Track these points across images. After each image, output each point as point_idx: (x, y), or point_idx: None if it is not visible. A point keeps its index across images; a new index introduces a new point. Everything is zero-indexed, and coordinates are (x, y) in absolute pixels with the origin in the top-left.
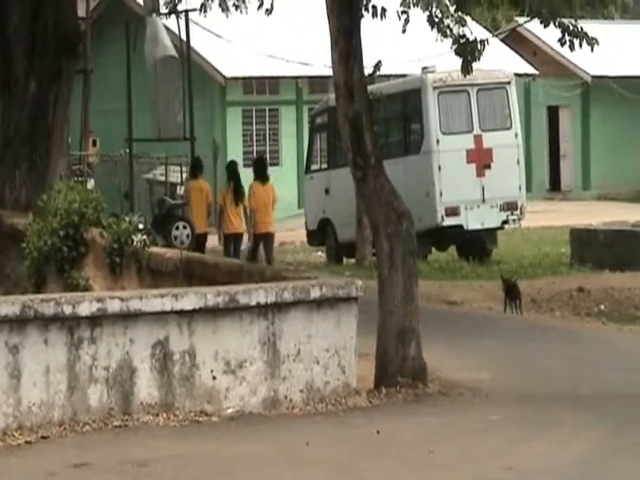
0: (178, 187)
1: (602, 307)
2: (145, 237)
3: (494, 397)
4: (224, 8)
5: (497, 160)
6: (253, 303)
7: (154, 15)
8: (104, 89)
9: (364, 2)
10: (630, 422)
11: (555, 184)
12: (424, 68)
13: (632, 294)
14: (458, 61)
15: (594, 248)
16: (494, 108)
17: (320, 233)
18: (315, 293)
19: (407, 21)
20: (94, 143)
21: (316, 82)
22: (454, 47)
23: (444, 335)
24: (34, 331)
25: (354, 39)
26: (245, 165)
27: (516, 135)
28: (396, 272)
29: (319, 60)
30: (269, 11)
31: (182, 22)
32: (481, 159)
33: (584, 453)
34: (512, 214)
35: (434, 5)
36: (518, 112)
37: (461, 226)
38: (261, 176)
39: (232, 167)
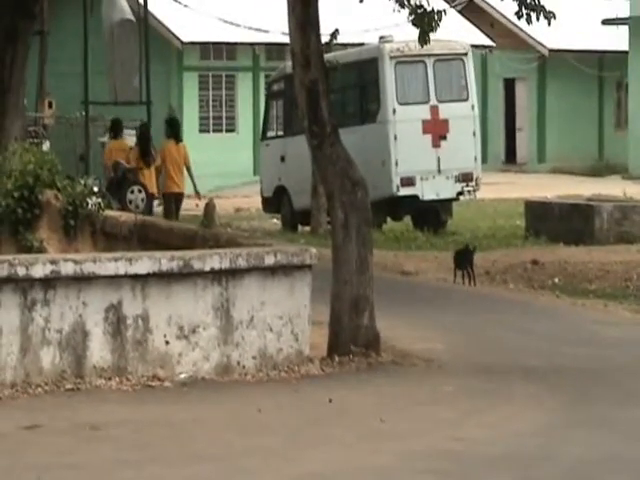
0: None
1: (556, 280)
2: (100, 200)
3: (447, 368)
4: None
5: (453, 131)
6: (207, 269)
7: None
8: (60, 51)
9: None
10: (582, 395)
11: (510, 156)
12: (381, 38)
13: (586, 268)
14: (415, 31)
15: (549, 221)
16: (451, 79)
17: (275, 200)
18: (269, 260)
19: None
20: (50, 105)
21: (273, 49)
22: (411, 17)
23: (398, 305)
24: None
25: (312, 7)
26: (201, 131)
27: (472, 107)
28: (350, 241)
29: (277, 27)
30: None
31: None
32: (437, 130)
33: (535, 425)
34: (467, 185)
35: None
36: (475, 84)
37: (416, 196)
38: (174, 136)
39: (143, 129)
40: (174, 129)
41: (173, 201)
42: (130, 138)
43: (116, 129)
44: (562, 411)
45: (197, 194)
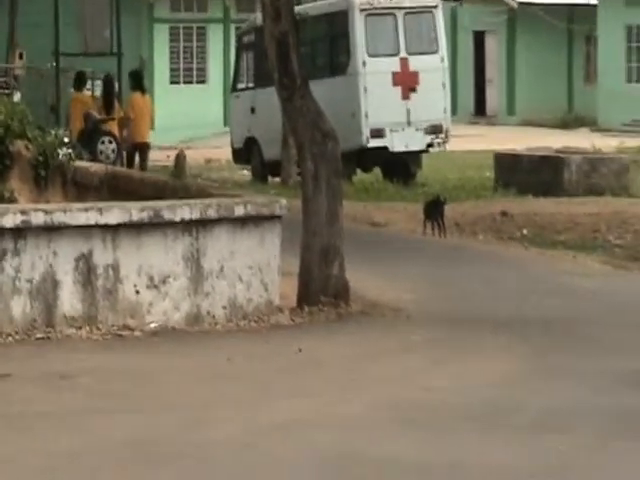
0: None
1: (525, 232)
2: (70, 151)
3: (416, 318)
4: None
5: (423, 83)
6: (177, 219)
7: None
8: (31, 3)
9: None
10: (549, 345)
11: (480, 109)
12: None
13: (554, 219)
14: None
15: (518, 173)
16: (421, 32)
17: (246, 151)
18: (239, 211)
19: None
20: (20, 56)
21: (244, 1)
22: None
23: (367, 256)
24: None
25: None
26: (172, 82)
27: (442, 59)
28: (320, 192)
29: None
30: None
31: None
32: (407, 82)
33: (503, 375)
34: (437, 137)
35: None
36: (444, 36)
37: (386, 148)
38: (139, 88)
39: (107, 81)
40: (138, 81)
41: (138, 151)
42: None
43: (79, 81)
44: (531, 362)
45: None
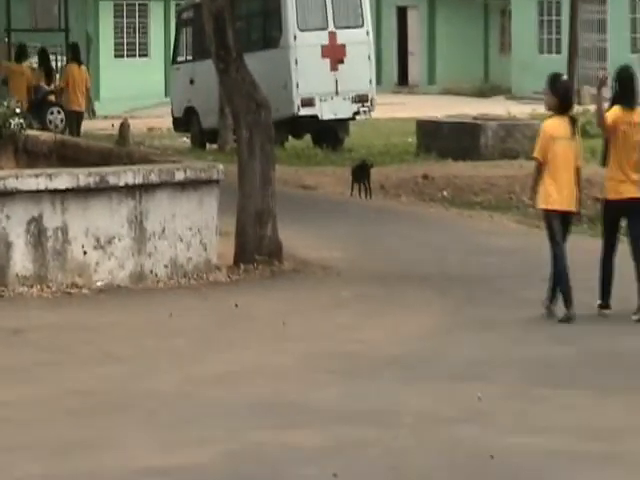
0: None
1: (445, 193)
2: (22, 121)
3: (345, 275)
4: None
5: (349, 55)
6: (122, 184)
7: None
8: None
9: None
10: (469, 300)
11: (403, 79)
12: None
13: (472, 182)
14: None
15: (438, 139)
16: (347, 7)
17: (185, 120)
18: (179, 176)
19: None
20: None
21: None
22: None
23: (299, 217)
24: None
25: None
26: (116, 56)
27: (367, 33)
28: (255, 158)
29: None
30: None
31: None
32: (335, 54)
33: (428, 327)
34: (363, 106)
35: None
36: (369, 12)
37: (316, 116)
38: (76, 59)
39: (42, 54)
40: (75, 54)
41: (75, 117)
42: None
43: (20, 54)
44: (452, 315)
45: (92, 112)
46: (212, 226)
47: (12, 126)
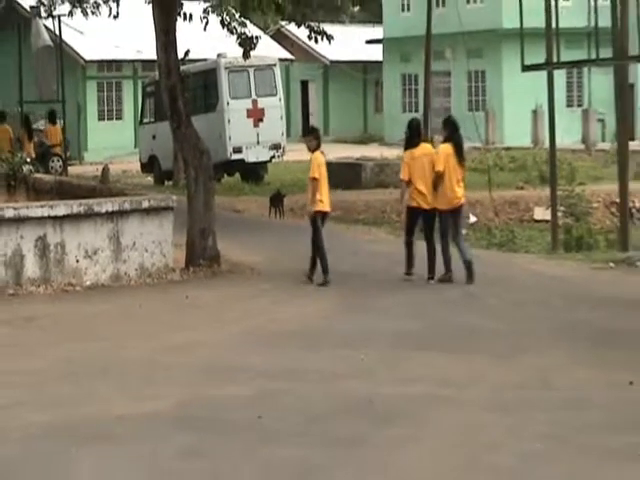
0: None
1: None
2: (31, 167)
3: (266, 273)
4: (84, 13)
5: (267, 116)
6: (103, 211)
7: (37, 18)
8: (3, 67)
9: (178, 10)
10: (355, 291)
11: (306, 132)
12: (219, 55)
13: (355, 205)
14: (240, 50)
15: (331, 174)
16: (265, 81)
17: (149, 164)
18: (145, 204)
19: (207, 23)
20: None
21: (147, 64)
22: (238, 41)
23: (232, 232)
24: None
25: (171, 34)
26: (99, 119)
27: (280, 99)
28: (199, 191)
29: (149, 48)
30: (115, 16)
31: (56, 22)
32: (256, 115)
33: (325, 310)
34: (277, 152)
35: (224, 13)
36: (281, 84)
37: (243, 159)
38: (52, 121)
39: (27, 119)
40: (52, 117)
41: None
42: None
43: (1, 118)
44: (341, 301)
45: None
46: (169, 240)
47: (24, 171)
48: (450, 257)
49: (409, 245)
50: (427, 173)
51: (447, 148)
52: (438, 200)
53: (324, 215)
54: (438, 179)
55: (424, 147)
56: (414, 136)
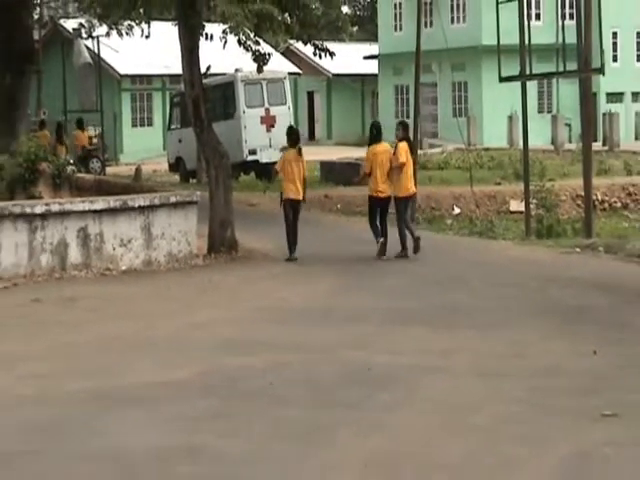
0: (92, 138)
1: (338, 206)
2: (74, 167)
3: (276, 259)
4: (120, 34)
5: (278, 122)
6: (136, 205)
7: (78, 38)
8: (49, 81)
9: (201, 31)
10: (353, 273)
11: (312, 136)
12: (236, 69)
13: (354, 199)
14: (255, 65)
15: (334, 172)
16: (276, 92)
17: (176, 165)
18: (173, 199)
19: (226, 42)
20: (44, 113)
21: (174, 78)
22: (253, 57)
23: (247, 223)
24: (8, 223)
25: (195, 52)
26: (132, 126)
27: (289, 108)
28: (219, 188)
29: (176, 64)
30: (147, 37)
31: (95, 42)
32: (269, 122)
33: (326, 291)
34: None
35: (240, 34)
36: (290, 95)
37: (257, 160)
38: (80, 128)
39: (59, 126)
40: (80, 124)
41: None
42: (91, 131)
43: (42, 124)
44: (342, 282)
45: (104, 159)
46: (193, 230)
47: (68, 171)
48: (405, 236)
49: (374, 227)
50: (385, 167)
51: (405, 145)
52: (397, 189)
53: (292, 201)
54: (399, 170)
55: (383, 145)
56: (376, 135)
